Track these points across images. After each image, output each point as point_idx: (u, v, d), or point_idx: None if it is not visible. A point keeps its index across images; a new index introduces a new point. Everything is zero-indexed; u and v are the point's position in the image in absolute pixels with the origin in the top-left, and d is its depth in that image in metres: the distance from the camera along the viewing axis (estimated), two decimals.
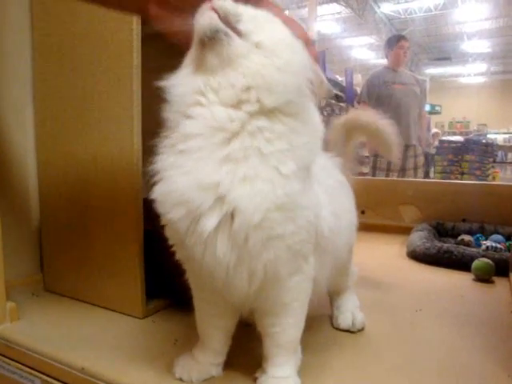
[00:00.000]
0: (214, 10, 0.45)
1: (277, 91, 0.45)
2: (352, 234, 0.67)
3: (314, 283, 0.54)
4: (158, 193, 0.46)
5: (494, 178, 5.03)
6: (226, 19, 0.45)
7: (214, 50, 0.45)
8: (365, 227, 1.39)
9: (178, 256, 0.51)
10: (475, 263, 0.96)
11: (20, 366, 0.65)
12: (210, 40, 0.45)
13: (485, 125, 10.68)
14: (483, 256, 0.99)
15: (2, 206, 0.68)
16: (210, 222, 0.43)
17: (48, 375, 0.62)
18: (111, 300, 0.76)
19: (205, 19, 0.45)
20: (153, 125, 0.50)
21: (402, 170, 3.30)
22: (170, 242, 0.50)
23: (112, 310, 0.76)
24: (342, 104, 5.85)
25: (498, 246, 1.12)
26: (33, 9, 0.82)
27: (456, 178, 5.00)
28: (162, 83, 0.48)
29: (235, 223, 0.43)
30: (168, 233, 0.49)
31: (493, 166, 5.14)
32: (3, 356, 0.67)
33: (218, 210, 0.43)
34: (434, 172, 5.16)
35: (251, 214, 0.43)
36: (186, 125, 0.46)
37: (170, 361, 0.57)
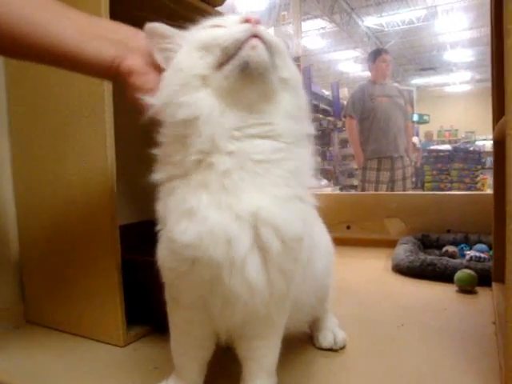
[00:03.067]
0: (261, 38, 0.44)
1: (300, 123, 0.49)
2: (329, 261, 0.68)
3: (297, 308, 0.55)
4: (193, 235, 0.43)
5: (483, 185, 5.07)
6: (268, 51, 0.44)
7: (259, 86, 0.45)
8: (351, 242, 1.42)
9: (173, 293, 0.51)
10: (457, 275, 0.96)
11: None
12: (259, 76, 0.44)
13: (473, 132, 10.79)
14: (466, 267, 0.99)
15: None
16: (243, 247, 0.43)
17: None
18: (92, 329, 0.75)
19: (258, 52, 0.43)
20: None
21: (391, 182, 3.33)
22: (171, 277, 0.49)
23: (93, 339, 0.75)
24: (329, 118, 5.91)
25: (482, 255, 1.13)
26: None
27: (445, 187, 5.04)
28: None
29: (274, 243, 0.44)
30: (180, 276, 0.47)
31: (482, 173, 5.18)
32: None
33: (254, 235, 0.44)
34: (423, 182, 5.20)
35: (295, 232, 0.45)
36: (221, 162, 0.44)
37: None
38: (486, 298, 0.91)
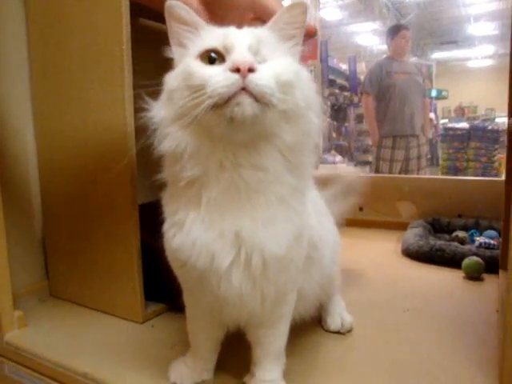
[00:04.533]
0: (249, 93, 0.41)
1: (301, 150, 0.48)
2: (336, 246, 0.71)
3: (302, 294, 0.59)
4: (178, 244, 0.48)
5: (499, 165, 5.00)
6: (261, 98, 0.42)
7: (249, 131, 0.43)
8: (363, 224, 1.44)
9: (182, 283, 0.55)
10: (465, 262, 0.98)
11: (28, 370, 0.69)
12: (248, 125, 0.43)
13: (493, 109, 10.54)
14: (474, 254, 1.01)
15: (6, 218, 0.72)
16: (226, 260, 0.47)
17: (55, 380, 0.66)
18: (113, 306, 0.80)
19: (243, 108, 0.41)
20: None
21: (406, 160, 3.31)
22: (176, 271, 0.53)
23: (113, 315, 0.80)
24: (345, 93, 5.83)
25: (491, 242, 1.14)
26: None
27: (461, 166, 5.00)
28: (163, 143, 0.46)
29: (254, 260, 0.47)
30: (178, 270, 0.52)
31: (499, 152, 5.11)
32: (13, 361, 0.71)
33: (237, 251, 0.47)
34: (439, 159, 5.14)
35: (275, 252, 0.47)
36: (209, 186, 0.46)
37: (167, 365, 0.61)
38: (492, 286, 0.93)
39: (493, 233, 1.22)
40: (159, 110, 0.47)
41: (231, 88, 0.41)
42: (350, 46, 10.69)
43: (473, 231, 1.25)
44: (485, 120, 8.32)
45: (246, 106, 0.41)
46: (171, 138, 0.45)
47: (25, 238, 0.89)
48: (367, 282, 0.98)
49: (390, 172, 3.29)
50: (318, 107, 0.49)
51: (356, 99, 5.71)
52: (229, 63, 0.42)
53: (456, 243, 1.14)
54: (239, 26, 0.50)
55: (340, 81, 5.71)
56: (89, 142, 0.78)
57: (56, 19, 0.80)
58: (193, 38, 0.49)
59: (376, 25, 9.89)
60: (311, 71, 4.83)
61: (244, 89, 0.41)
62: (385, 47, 3.51)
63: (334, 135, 5.54)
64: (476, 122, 6.18)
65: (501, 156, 5.20)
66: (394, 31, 3.28)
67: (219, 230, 0.46)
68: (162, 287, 0.80)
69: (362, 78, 5.34)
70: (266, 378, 0.55)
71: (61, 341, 0.72)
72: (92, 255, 0.82)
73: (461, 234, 1.23)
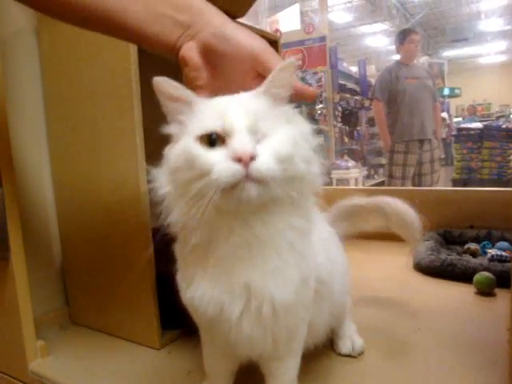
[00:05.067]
0: (253, 179, 0.43)
1: (306, 196, 0.50)
2: (345, 279, 0.72)
3: (313, 326, 0.60)
4: (189, 297, 0.51)
5: None
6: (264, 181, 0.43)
7: (255, 204, 0.45)
8: (375, 236, 1.45)
9: (197, 322, 0.57)
10: (476, 277, 0.99)
11: None
12: (255, 202, 0.44)
13: (507, 105, 10.41)
14: (485, 269, 1.02)
15: (26, 246, 0.75)
16: (236, 311, 0.49)
17: None
18: (131, 332, 0.83)
19: (248, 193, 0.43)
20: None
21: (419, 164, 3.30)
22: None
23: (132, 341, 0.83)
24: (356, 97, 5.82)
25: (503, 253, 1.15)
26: (41, 49, 0.89)
27: (476, 166, 4.94)
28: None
29: (265, 308, 0.48)
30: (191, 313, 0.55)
31: None
32: None
33: (246, 301, 0.49)
34: (452, 159, 5.09)
35: (284, 299, 0.49)
36: (217, 248, 0.47)
37: None
38: (504, 301, 0.93)
39: (505, 244, 1.22)
40: (163, 184, 0.48)
41: (235, 177, 0.42)
42: (359, 48, 10.67)
43: (485, 243, 1.26)
44: (499, 117, 8.22)
45: (252, 190, 0.43)
46: (179, 212, 0.47)
47: (44, 267, 0.92)
48: (378, 299, 0.99)
49: (404, 176, 3.28)
50: (317, 153, 0.50)
51: (367, 103, 5.70)
52: (230, 152, 0.43)
53: (468, 256, 1.14)
54: (242, 82, 0.52)
55: (350, 85, 5.70)
56: (104, 184, 0.82)
57: (67, 58, 0.84)
58: (188, 112, 0.49)
59: (385, 25, 9.87)
60: (321, 77, 4.86)
61: (247, 175, 0.43)
62: (394, 47, 3.51)
63: (345, 140, 5.54)
64: (489, 122, 6.11)
65: None
66: (403, 36, 3.28)
67: (228, 284, 0.48)
68: (177, 311, 0.83)
69: (372, 80, 5.33)
70: None
71: (82, 369, 0.75)
72: (109, 283, 0.85)
73: (473, 246, 1.23)
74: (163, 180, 0.48)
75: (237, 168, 0.42)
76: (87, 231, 0.87)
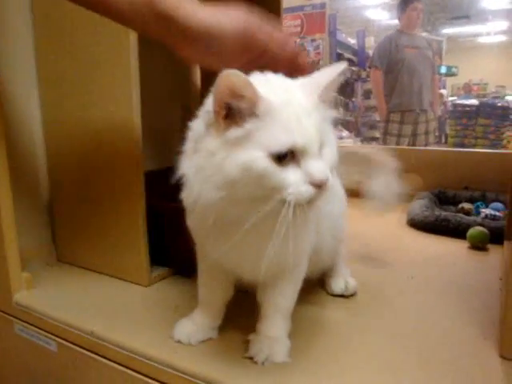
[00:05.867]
0: (322, 195, 0.45)
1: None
2: (344, 205, 0.73)
3: (317, 250, 0.60)
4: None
5: (508, 142, 4.94)
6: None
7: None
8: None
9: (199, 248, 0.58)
10: (470, 231, 0.98)
11: (37, 329, 0.71)
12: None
13: (503, 86, 10.36)
14: (479, 224, 1.01)
15: (13, 180, 0.72)
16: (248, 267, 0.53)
17: (62, 338, 0.68)
18: (119, 269, 0.81)
19: (315, 206, 0.46)
20: None
21: (413, 135, 3.29)
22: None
23: (120, 279, 0.81)
24: (353, 68, 5.74)
25: (497, 214, 1.14)
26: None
27: (470, 143, 4.95)
28: None
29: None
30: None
31: (508, 130, 5.04)
32: (22, 321, 0.73)
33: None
34: (446, 136, 5.09)
35: None
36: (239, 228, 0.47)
37: (171, 325, 0.62)
38: (496, 255, 0.93)
39: (499, 205, 1.22)
40: (208, 189, 0.44)
41: (311, 198, 0.44)
42: (358, 20, 10.48)
43: (479, 203, 1.25)
44: (495, 97, 8.20)
45: (319, 202, 0.46)
46: (216, 208, 0.45)
47: (31, 203, 0.89)
48: (372, 251, 0.98)
49: None
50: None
51: (364, 74, 5.63)
52: (308, 176, 0.44)
53: (461, 214, 1.14)
54: (231, 60, 0.51)
55: (348, 55, 5.61)
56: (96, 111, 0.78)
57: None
58: (251, 115, 0.44)
59: None
60: (319, 45, 4.77)
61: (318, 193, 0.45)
62: (394, 22, 3.45)
63: (340, 110, 5.49)
64: (485, 99, 6.09)
65: (510, 134, 5.14)
66: (406, 3, 3.21)
67: (243, 253, 0.50)
68: (167, 252, 0.81)
69: (370, 52, 5.25)
70: (271, 334, 0.57)
71: (68, 301, 0.74)
72: (98, 220, 0.82)
73: (466, 205, 1.23)
74: (209, 187, 0.44)
75: (313, 191, 0.44)
76: (76, 166, 0.84)
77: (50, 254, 0.90)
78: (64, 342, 0.67)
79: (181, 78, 1.07)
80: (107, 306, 0.72)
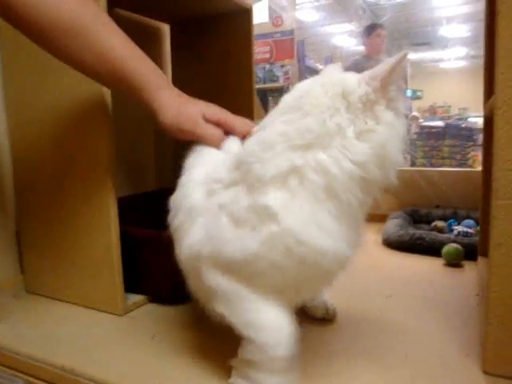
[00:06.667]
0: None
1: None
2: None
3: None
4: None
5: (473, 162, 5.09)
6: None
7: None
8: None
9: None
10: (445, 249, 0.99)
11: (2, 367, 0.66)
12: None
13: (466, 109, 10.77)
14: (453, 241, 1.02)
15: None
16: None
17: (30, 375, 0.64)
18: (92, 299, 0.78)
19: None
20: None
21: None
22: None
23: (93, 309, 0.77)
24: None
25: (469, 230, 1.16)
26: None
27: (437, 163, 5.07)
28: None
29: None
30: None
31: (473, 150, 5.20)
32: None
33: None
34: (415, 157, 5.22)
35: None
36: None
37: (148, 354, 0.59)
38: (471, 272, 0.94)
39: (471, 222, 1.24)
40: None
41: None
42: (326, 47, 10.79)
43: (451, 221, 1.27)
44: (459, 119, 8.49)
45: None
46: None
47: None
48: (348, 270, 0.97)
49: None
50: None
51: None
52: None
53: (435, 232, 1.15)
54: None
55: None
56: (62, 122, 0.76)
57: None
58: None
59: (352, 26, 10.02)
60: (288, 70, 4.86)
61: None
62: (360, 48, 3.56)
63: None
64: (450, 121, 6.29)
65: (474, 154, 5.30)
66: (370, 29, 3.33)
67: None
68: (143, 279, 0.78)
69: None
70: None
71: (37, 335, 0.70)
72: (69, 247, 0.79)
73: (439, 223, 1.24)
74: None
75: None
76: (45, 193, 0.81)
77: (17, 286, 0.86)
78: (32, 378, 0.63)
79: None
80: (79, 338, 0.68)
